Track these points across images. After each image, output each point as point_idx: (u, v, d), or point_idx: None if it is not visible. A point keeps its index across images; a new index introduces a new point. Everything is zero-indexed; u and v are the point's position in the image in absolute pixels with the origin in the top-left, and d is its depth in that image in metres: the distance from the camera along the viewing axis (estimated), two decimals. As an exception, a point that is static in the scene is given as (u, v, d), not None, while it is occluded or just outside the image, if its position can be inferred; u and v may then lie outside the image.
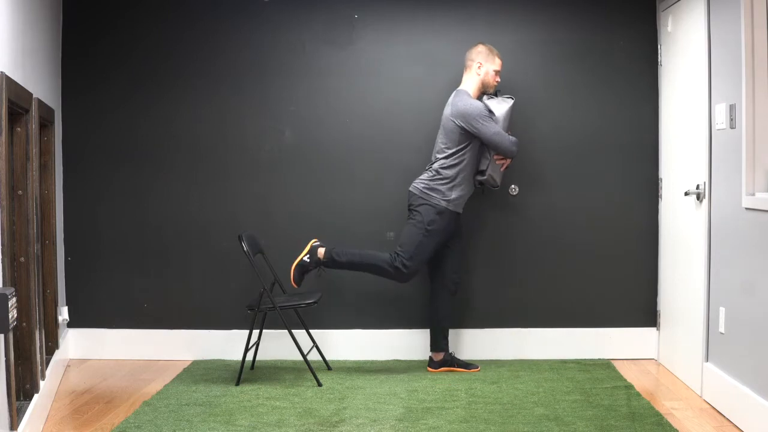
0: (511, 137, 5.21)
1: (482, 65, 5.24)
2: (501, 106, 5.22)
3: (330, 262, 5.22)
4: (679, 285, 5.20)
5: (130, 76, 5.67)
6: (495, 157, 5.24)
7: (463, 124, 5.13)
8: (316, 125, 5.66)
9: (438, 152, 5.24)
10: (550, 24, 5.61)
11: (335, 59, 5.65)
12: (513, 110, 5.26)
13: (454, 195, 5.20)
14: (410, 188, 5.27)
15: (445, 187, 5.18)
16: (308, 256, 5.21)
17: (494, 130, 5.14)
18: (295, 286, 5.23)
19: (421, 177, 5.27)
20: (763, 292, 4.01)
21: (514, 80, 5.62)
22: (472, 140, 5.17)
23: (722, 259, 4.52)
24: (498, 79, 5.29)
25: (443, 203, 5.18)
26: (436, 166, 5.21)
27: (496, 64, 5.26)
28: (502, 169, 5.30)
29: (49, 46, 5.18)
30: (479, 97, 5.28)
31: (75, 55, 5.65)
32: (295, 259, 5.24)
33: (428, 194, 5.19)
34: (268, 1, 5.63)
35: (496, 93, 5.33)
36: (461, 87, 5.28)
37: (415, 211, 5.22)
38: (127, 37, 5.66)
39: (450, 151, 5.18)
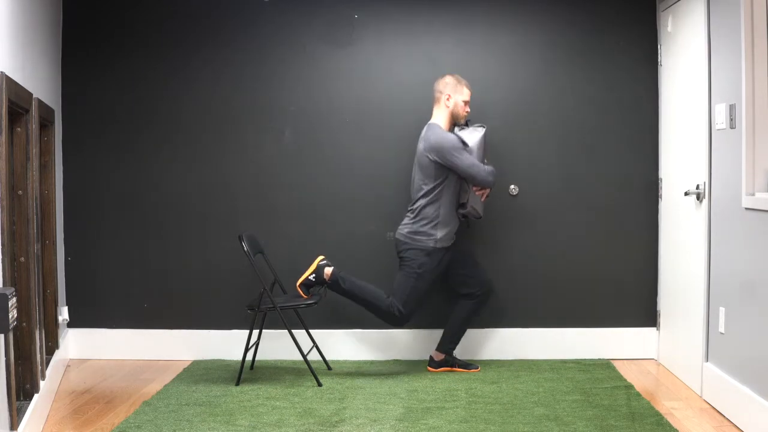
0: (487, 167, 5.16)
1: (451, 97, 5.21)
2: (473, 136, 5.17)
3: (334, 284, 5.19)
4: (679, 285, 5.20)
5: (131, 76, 5.67)
6: (473, 188, 5.20)
7: (437, 158, 5.09)
8: (316, 125, 5.66)
9: (417, 191, 5.20)
10: (550, 24, 5.61)
11: (335, 59, 5.65)
12: (486, 138, 5.22)
13: (440, 234, 5.17)
14: (396, 235, 5.24)
15: (429, 227, 5.15)
16: (314, 275, 5.18)
17: (469, 162, 5.09)
18: (305, 297, 5.21)
19: (404, 222, 5.24)
20: (763, 292, 4.01)
21: (515, 80, 5.63)
22: (448, 174, 5.13)
23: (722, 259, 4.52)
24: (467, 110, 5.26)
25: (431, 244, 5.16)
26: (416, 206, 5.18)
27: (464, 94, 5.22)
28: (482, 200, 5.25)
29: (49, 46, 5.18)
30: (451, 129, 5.25)
31: (75, 55, 5.65)
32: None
33: (414, 238, 5.17)
34: (269, 1, 5.63)
35: (467, 123, 5.29)
36: (432, 120, 5.25)
37: (404, 257, 5.20)
38: (127, 37, 5.66)
39: (428, 188, 5.14)
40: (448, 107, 5.22)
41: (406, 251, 5.17)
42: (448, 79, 5.23)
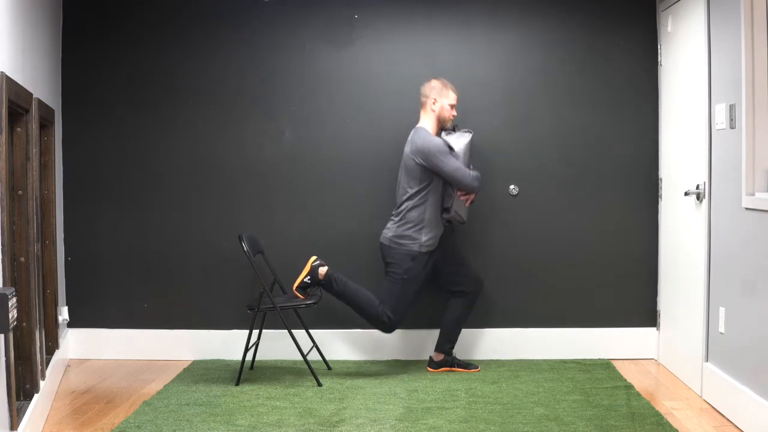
0: (472, 172, 5.15)
1: (437, 100, 5.20)
2: (460, 141, 5.16)
3: (327, 284, 5.18)
4: (679, 285, 5.20)
5: (131, 76, 5.67)
6: (458, 192, 5.18)
7: (423, 162, 5.08)
8: (316, 125, 5.66)
9: (402, 194, 5.19)
10: (550, 24, 5.62)
11: (335, 59, 5.65)
12: (473, 143, 5.22)
13: (425, 238, 5.16)
14: (381, 239, 5.23)
15: (413, 231, 5.14)
16: (309, 277, 5.17)
17: (454, 166, 5.08)
18: (303, 298, 5.21)
19: (388, 225, 5.23)
20: (763, 292, 4.01)
21: (515, 80, 5.63)
22: (433, 178, 5.12)
23: (722, 259, 4.52)
24: (454, 113, 5.24)
25: (416, 248, 5.14)
26: (401, 210, 5.17)
27: (450, 98, 5.21)
28: (467, 205, 5.24)
29: (49, 47, 5.18)
30: (438, 133, 5.24)
31: (75, 55, 5.65)
32: (300, 267, 5.24)
33: (399, 242, 5.16)
34: (269, 2, 5.63)
35: (454, 128, 5.28)
36: (419, 124, 5.24)
37: (390, 262, 5.19)
38: (127, 37, 5.66)
39: (413, 191, 5.13)
40: (434, 111, 5.22)
41: (392, 256, 5.17)
42: (434, 83, 5.22)
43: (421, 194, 5.13)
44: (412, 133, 5.22)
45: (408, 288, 5.16)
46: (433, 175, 5.11)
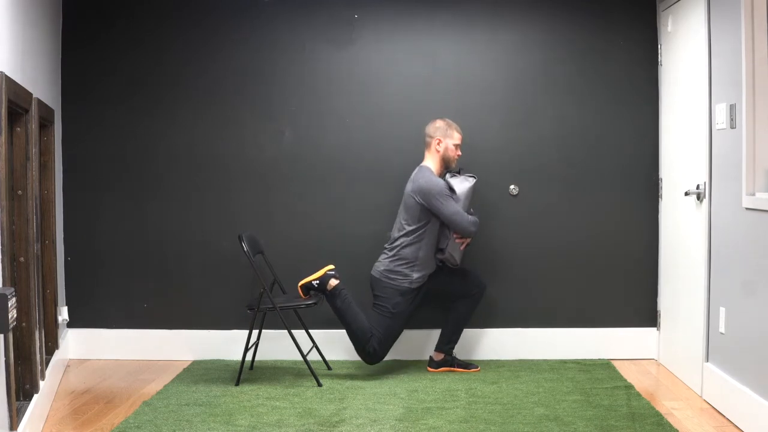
0: (471, 217, 5.16)
1: (441, 141, 5.20)
2: (463, 185, 5.17)
3: (331, 296, 5.18)
4: (679, 285, 5.20)
5: (131, 75, 5.67)
6: (454, 235, 5.19)
7: (422, 201, 5.09)
8: (316, 125, 5.66)
9: (399, 230, 5.20)
10: (551, 24, 5.61)
11: (335, 59, 5.65)
12: (475, 189, 5.23)
13: (415, 275, 5.17)
14: (372, 272, 5.25)
15: (406, 267, 5.16)
16: (318, 281, 5.16)
17: (453, 209, 5.09)
18: (304, 297, 5.21)
19: (380, 259, 5.25)
20: (763, 292, 4.01)
21: (515, 80, 5.63)
22: (431, 218, 5.13)
23: (722, 259, 4.52)
24: (459, 153, 5.26)
25: (406, 284, 5.16)
26: (396, 245, 5.18)
27: (455, 138, 5.22)
28: (461, 248, 5.24)
29: (49, 47, 5.18)
30: (442, 174, 5.25)
31: (75, 55, 5.65)
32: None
33: (390, 277, 5.17)
34: (269, 2, 5.63)
35: (459, 171, 5.29)
36: (423, 163, 5.25)
37: (378, 295, 5.20)
38: (127, 37, 5.66)
39: (410, 228, 5.14)
40: (438, 152, 5.22)
41: (381, 289, 5.19)
42: (439, 124, 5.23)
43: (418, 233, 5.14)
44: (415, 171, 5.23)
45: (395, 322, 5.18)
46: (431, 215, 5.12)
